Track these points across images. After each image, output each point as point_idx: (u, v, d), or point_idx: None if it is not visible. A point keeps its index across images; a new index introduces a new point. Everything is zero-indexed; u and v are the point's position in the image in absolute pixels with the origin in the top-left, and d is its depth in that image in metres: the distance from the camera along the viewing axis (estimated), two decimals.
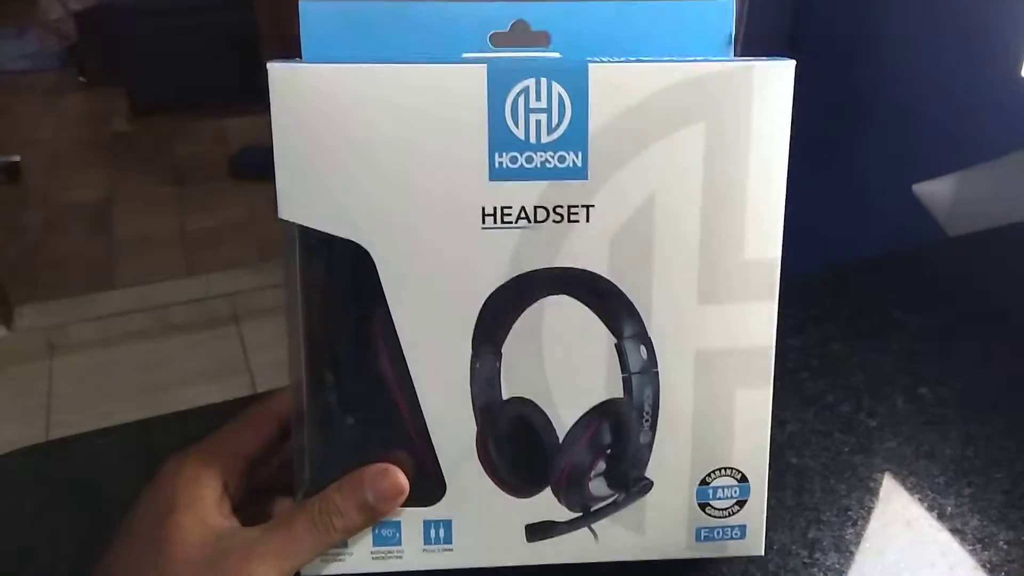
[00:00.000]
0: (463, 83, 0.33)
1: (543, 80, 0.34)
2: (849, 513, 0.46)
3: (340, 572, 0.37)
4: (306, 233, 0.34)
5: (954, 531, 0.45)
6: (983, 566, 0.43)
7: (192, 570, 0.33)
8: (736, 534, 0.39)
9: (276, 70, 0.33)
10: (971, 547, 0.44)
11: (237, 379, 1.80)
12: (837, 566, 0.43)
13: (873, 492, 0.48)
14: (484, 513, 0.37)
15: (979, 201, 0.99)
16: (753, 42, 1.57)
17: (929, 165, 1.10)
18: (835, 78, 1.53)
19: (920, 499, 0.47)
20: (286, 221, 0.34)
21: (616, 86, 0.34)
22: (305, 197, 0.34)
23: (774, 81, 0.35)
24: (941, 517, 0.46)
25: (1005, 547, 0.44)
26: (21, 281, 2.04)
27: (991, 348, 0.59)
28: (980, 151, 1.06)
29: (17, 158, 2.54)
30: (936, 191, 1.03)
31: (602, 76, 0.34)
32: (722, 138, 0.35)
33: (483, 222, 0.35)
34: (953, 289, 0.67)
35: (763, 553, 0.40)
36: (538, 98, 0.34)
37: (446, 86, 0.33)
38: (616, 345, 0.36)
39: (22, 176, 2.54)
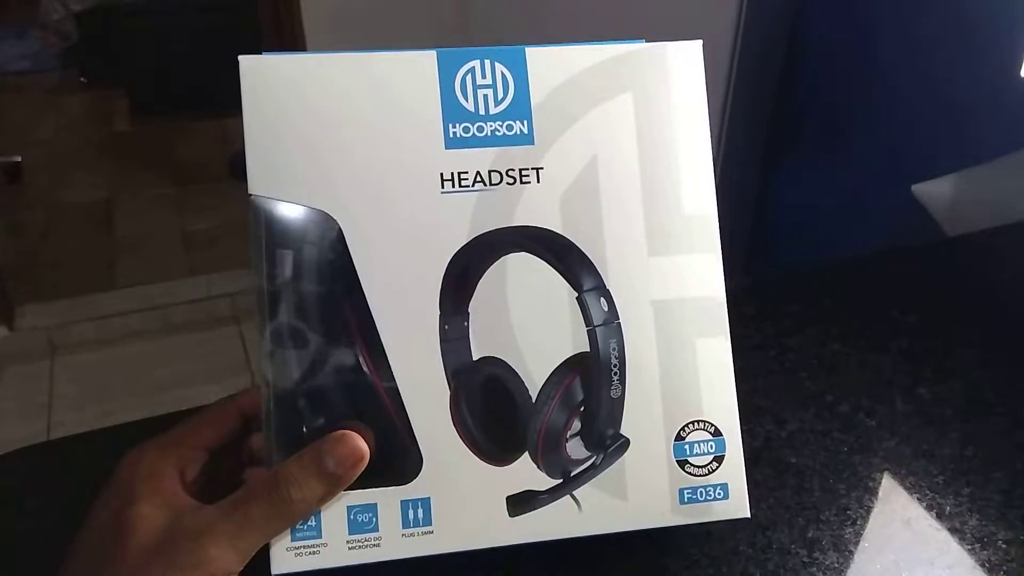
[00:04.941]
0: (417, 66, 0.38)
1: (487, 61, 0.38)
2: (848, 512, 0.46)
3: (315, 567, 0.36)
4: (276, 206, 0.36)
5: (953, 530, 0.45)
6: (982, 565, 0.43)
7: (147, 555, 0.33)
8: (719, 494, 0.40)
9: (246, 60, 0.37)
10: (970, 546, 0.44)
11: (237, 379, 1.80)
12: (836, 565, 0.43)
13: (872, 491, 0.48)
14: (463, 487, 0.37)
15: (979, 201, 0.99)
16: (752, 42, 1.57)
17: (929, 165, 1.10)
18: (835, 78, 1.53)
19: (919, 498, 0.47)
20: (255, 196, 0.36)
21: (551, 65, 0.39)
22: (275, 172, 0.37)
23: (685, 58, 0.40)
24: (940, 516, 0.46)
25: (1004, 546, 0.44)
26: (22, 281, 2.04)
27: (990, 348, 0.59)
28: (980, 151, 1.06)
29: (18, 158, 2.54)
30: (936, 191, 1.03)
31: (538, 58, 0.39)
32: (648, 106, 0.39)
33: (442, 187, 0.38)
34: (952, 289, 0.67)
35: (748, 515, 0.40)
36: (483, 76, 0.38)
37: (402, 69, 0.38)
38: (577, 298, 0.38)
39: (23, 176, 2.54)
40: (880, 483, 0.48)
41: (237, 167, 2.50)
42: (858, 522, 0.46)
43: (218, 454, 0.39)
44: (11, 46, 3.32)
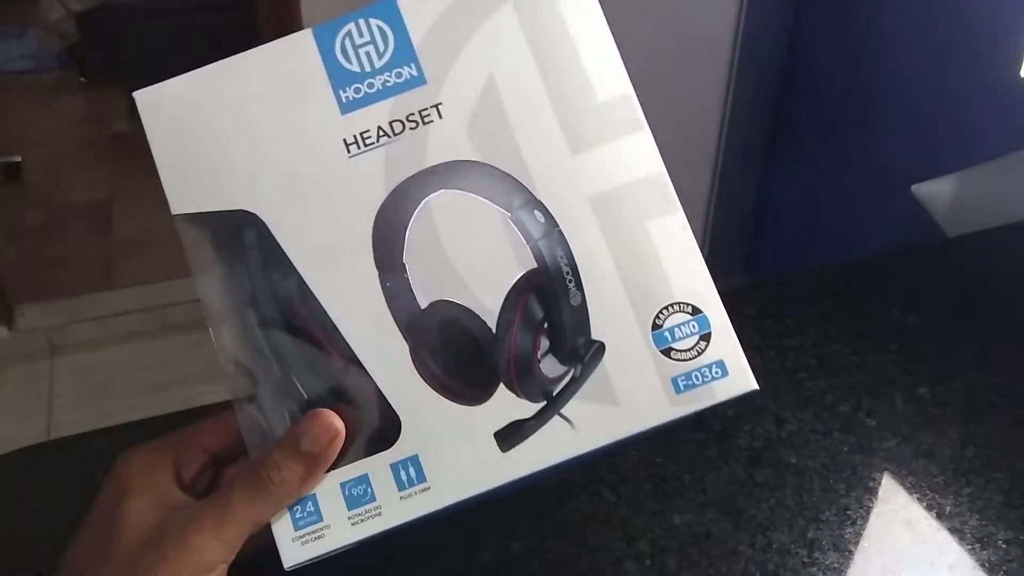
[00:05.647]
0: (295, 47, 0.38)
1: (360, 21, 0.38)
2: (848, 512, 0.46)
3: (324, 551, 0.36)
4: (199, 220, 0.37)
5: (953, 530, 0.45)
6: (982, 565, 0.43)
7: (138, 549, 0.33)
8: (716, 373, 0.38)
9: (140, 95, 0.38)
10: (970, 546, 0.44)
11: None
12: (836, 565, 0.43)
13: (872, 492, 0.48)
14: (447, 434, 0.37)
15: (979, 201, 0.99)
16: (752, 42, 1.57)
17: (929, 165, 1.10)
18: (835, 78, 1.53)
19: (919, 499, 0.47)
20: (179, 216, 0.37)
21: (423, 3, 0.38)
22: (190, 188, 0.37)
23: None
24: (940, 516, 0.46)
25: (1004, 546, 0.44)
26: (22, 281, 2.04)
27: (990, 348, 0.59)
28: (980, 151, 1.06)
29: (18, 158, 2.54)
30: (936, 191, 1.03)
31: (408, 1, 0.38)
32: (530, 8, 0.39)
33: (348, 152, 0.38)
34: (952, 289, 0.67)
35: (756, 386, 0.37)
36: (361, 35, 0.38)
37: (281, 55, 0.38)
38: (511, 218, 0.37)
39: (23, 176, 2.54)
40: (880, 483, 0.48)
41: None
42: (858, 522, 0.46)
43: (222, 459, 0.39)
44: (11, 46, 3.31)
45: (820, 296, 0.65)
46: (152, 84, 0.39)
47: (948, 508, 0.46)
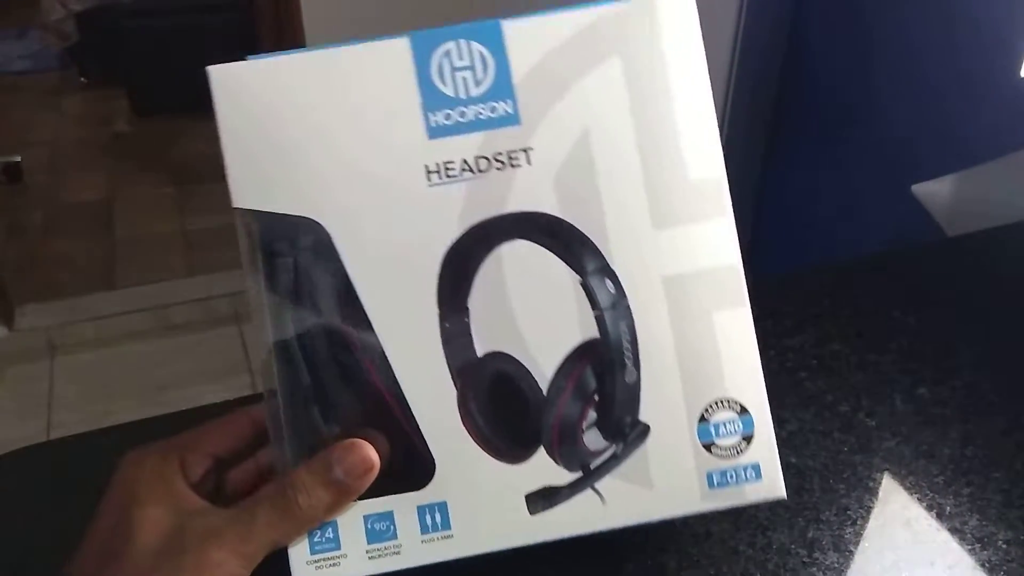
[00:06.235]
0: (390, 55, 0.36)
1: (462, 41, 0.36)
2: (848, 513, 0.46)
3: None
4: (262, 218, 0.36)
5: (953, 530, 0.45)
6: (982, 565, 0.43)
7: (153, 556, 0.33)
8: (751, 475, 0.37)
9: (215, 71, 0.35)
10: (970, 546, 0.44)
11: (237, 379, 1.80)
12: (836, 565, 0.43)
13: (872, 492, 0.48)
14: (479, 487, 0.36)
15: (979, 201, 0.99)
16: (752, 42, 1.57)
17: (929, 165, 1.10)
18: (835, 78, 1.53)
19: (919, 499, 0.47)
20: (241, 210, 0.36)
21: (531, 38, 0.36)
22: (255, 183, 0.36)
23: (675, 10, 0.37)
24: (940, 517, 0.46)
25: (1004, 546, 0.44)
26: (22, 281, 2.04)
27: (990, 348, 0.59)
28: (980, 151, 1.06)
29: (18, 158, 2.54)
30: (936, 191, 1.03)
31: (516, 31, 0.36)
32: (638, 69, 0.37)
33: (428, 179, 0.36)
34: (952, 289, 0.67)
35: (784, 495, 0.37)
36: (460, 57, 0.36)
37: (375, 60, 0.36)
38: (582, 283, 0.36)
39: (23, 176, 2.54)
40: (880, 483, 0.48)
41: None
42: (858, 522, 0.46)
43: (227, 462, 0.38)
44: (11, 46, 3.32)
45: (820, 296, 0.65)
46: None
47: (948, 508, 0.46)
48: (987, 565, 0.43)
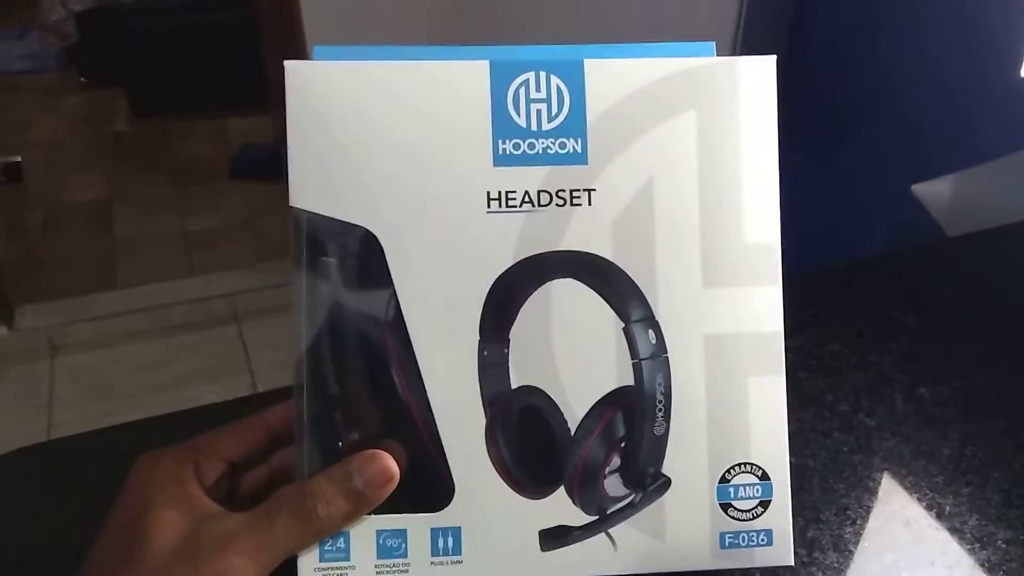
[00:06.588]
0: (468, 76, 0.36)
1: (542, 73, 0.36)
2: (848, 512, 0.46)
3: None
4: (316, 220, 0.35)
5: (952, 530, 0.45)
6: (981, 565, 0.43)
7: (169, 560, 0.33)
8: (762, 540, 0.38)
9: (292, 66, 0.35)
10: (969, 546, 0.44)
11: (237, 379, 1.80)
12: (836, 565, 0.43)
13: (872, 491, 0.48)
14: (495, 518, 0.36)
15: (979, 201, 0.99)
16: (752, 42, 1.57)
17: (929, 165, 1.10)
18: (835, 78, 1.53)
19: (919, 498, 0.47)
20: (297, 209, 0.35)
21: (611, 79, 0.36)
22: (316, 185, 0.35)
23: (757, 74, 0.37)
24: (940, 516, 0.46)
25: (1003, 546, 0.44)
26: (22, 281, 2.04)
27: (990, 348, 0.59)
28: (980, 151, 1.06)
29: (18, 158, 2.54)
30: (936, 191, 1.03)
31: (598, 71, 0.36)
32: (713, 126, 0.37)
33: (488, 206, 0.36)
34: (952, 289, 0.67)
35: (792, 563, 0.38)
36: (538, 89, 0.36)
37: (451, 80, 0.36)
38: (624, 329, 0.36)
39: (23, 176, 2.54)
40: (880, 483, 0.48)
41: (237, 167, 2.50)
42: (858, 522, 0.46)
43: (241, 467, 0.38)
44: (11, 46, 3.32)
45: (820, 296, 0.65)
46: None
47: (948, 508, 0.46)
48: (987, 565, 0.43)
